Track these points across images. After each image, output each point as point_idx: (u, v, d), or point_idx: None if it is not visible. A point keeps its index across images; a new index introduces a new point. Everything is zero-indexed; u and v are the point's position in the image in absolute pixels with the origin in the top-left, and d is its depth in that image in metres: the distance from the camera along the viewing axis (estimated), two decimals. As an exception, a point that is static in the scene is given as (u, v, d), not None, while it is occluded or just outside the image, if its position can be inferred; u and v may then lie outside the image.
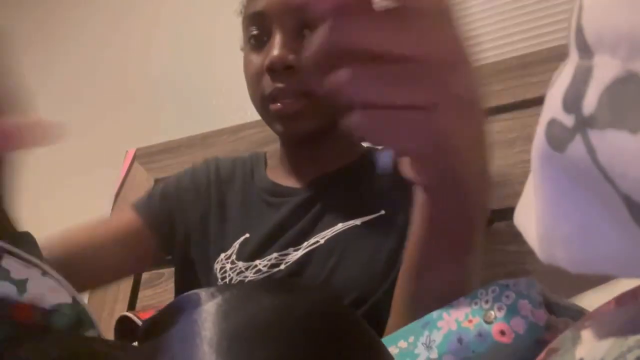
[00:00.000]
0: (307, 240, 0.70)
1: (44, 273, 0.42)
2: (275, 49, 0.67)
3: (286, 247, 0.71)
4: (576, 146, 0.20)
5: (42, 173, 1.84)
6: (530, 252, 0.47)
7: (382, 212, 0.70)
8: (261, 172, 0.85)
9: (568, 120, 0.20)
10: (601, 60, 0.18)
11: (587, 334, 0.23)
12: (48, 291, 0.40)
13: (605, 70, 0.18)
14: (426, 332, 0.45)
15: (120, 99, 1.82)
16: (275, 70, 0.68)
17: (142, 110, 1.76)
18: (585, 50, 0.19)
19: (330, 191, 0.75)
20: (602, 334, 0.22)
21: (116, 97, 1.84)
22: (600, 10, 0.18)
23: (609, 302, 0.24)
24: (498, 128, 0.99)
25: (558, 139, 0.21)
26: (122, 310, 1.13)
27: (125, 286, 1.17)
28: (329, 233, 0.70)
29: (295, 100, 0.68)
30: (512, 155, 0.96)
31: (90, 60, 1.96)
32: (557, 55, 1.00)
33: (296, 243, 0.71)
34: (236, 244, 0.75)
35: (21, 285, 0.38)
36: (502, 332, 0.39)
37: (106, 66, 1.91)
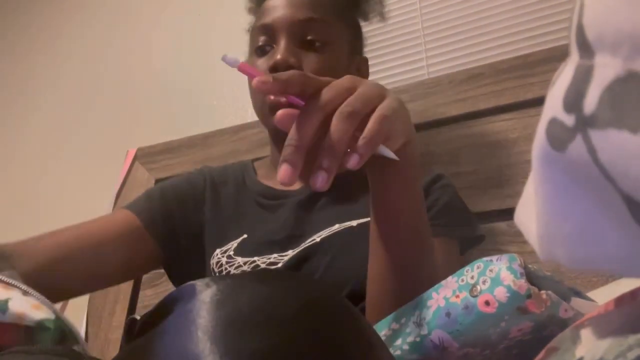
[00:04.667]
0: (305, 241, 0.73)
1: (25, 293, 0.42)
2: (279, 53, 0.76)
3: (286, 248, 0.73)
4: (577, 146, 0.20)
5: (43, 173, 1.85)
6: (531, 252, 0.47)
7: None
8: (252, 177, 0.89)
9: (569, 119, 0.20)
10: (602, 60, 0.18)
11: (586, 334, 0.23)
12: (30, 308, 0.40)
13: (606, 69, 0.18)
14: (417, 312, 0.47)
15: (122, 99, 1.83)
16: (278, 70, 0.74)
17: (143, 110, 1.76)
18: (586, 49, 0.19)
19: (328, 193, 0.78)
20: (601, 334, 0.22)
21: (117, 97, 1.84)
22: (602, 10, 0.18)
23: (608, 303, 0.24)
24: (499, 128, 0.99)
25: (559, 138, 0.21)
26: (122, 310, 1.13)
27: (125, 286, 1.17)
28: (325, 232, 0.73)
29: None
30: (513, 155, 0.96)
31: (91, 61, 1.96)
32: (558, 55, 1.00)
33: (295, 244, 0.73)
34: (234, 243, 0.77)
35: (3, 305, 0.38)
36: (487, 303, 0.41)
37: (107, 66, 1.91)
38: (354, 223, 0.73)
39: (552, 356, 0.23)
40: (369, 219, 0.71)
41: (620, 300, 0.23)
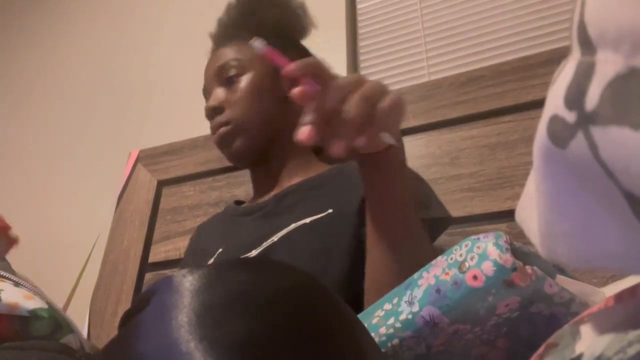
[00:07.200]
0: (266, 241, 0.80)
1: (17, 284, 0.42)
2: (207, 103, 0.94)
3: (250, 249, 0.81)
4: (578, 142, 0.20)
5: (46, 174, 1.85)
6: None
7: (330, 210, 0.79)
8: (232, 206, 1.01)
9: (570, 116, 0.20)
10: (603, 56, 0.18)
11: (586, 330, 0.23)
12: (23, 298, 0.40)
13: (608, 66, 0.18)
14: (408, 292, 0.48)
15: (124, 101, 1.83)
16: (207, 115, 0.93)
17: (146, 112, 1.76)
18: (588, 46, 0.19)
19: (288, 199, 0.87)
20: (602, 330, 0.22)
21: (120, 99, 1.84)
22: (603, 7, 0.18)
23: (608, 299, 0.24)
24: (499, 130, 0.99)
25: (560, 135, 0.21)
26: (124, 310, 1.13)
27: (127, 287, 1.17)
28: (282, 232, 0.79)
29: (221, 128, 0.91)
30: (513, 157, 0.96)
31: (94, 63, 1.96)
32: (559, 57, 1.00)
33: (258, 245, 0.81)
34: (212, 258, 0.85)
35: None
36: (475, 277, 0.43)
37: (110, 68, 1.92)
38: (308, 220, 0.79)
39: (552, 352, 0.23)
40: (322, 214, 0.79)
41: (620, 297, 0.23)
